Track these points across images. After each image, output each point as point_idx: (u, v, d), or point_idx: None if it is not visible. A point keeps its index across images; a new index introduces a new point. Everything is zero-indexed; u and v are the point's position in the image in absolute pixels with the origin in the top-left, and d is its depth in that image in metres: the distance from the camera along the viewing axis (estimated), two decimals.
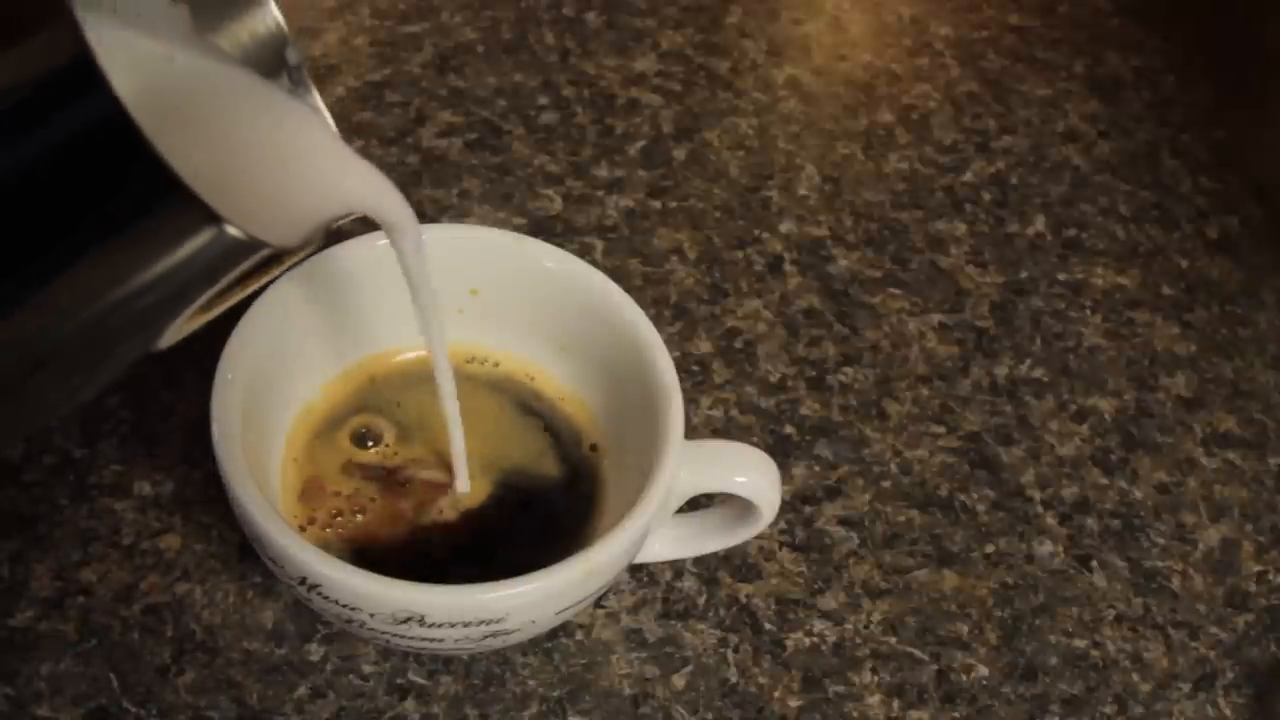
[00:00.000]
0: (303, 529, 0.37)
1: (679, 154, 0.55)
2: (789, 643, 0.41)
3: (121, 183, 0.24)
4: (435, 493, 0.39)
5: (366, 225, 0.49)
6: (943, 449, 0.46)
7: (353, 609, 0.33)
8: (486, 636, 0.34)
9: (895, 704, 0.40)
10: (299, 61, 0.33)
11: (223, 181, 0.25)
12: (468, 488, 0.39)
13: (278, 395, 0.39)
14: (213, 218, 0.25)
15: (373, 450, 0.39)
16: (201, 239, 0.25)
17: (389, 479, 0.39)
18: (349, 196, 0.31)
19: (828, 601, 0.42)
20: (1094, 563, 0.44)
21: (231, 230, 0.25)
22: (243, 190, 0.27)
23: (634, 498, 0.36)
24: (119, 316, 0.26)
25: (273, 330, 0.38)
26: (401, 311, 0.37)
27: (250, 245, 0.26)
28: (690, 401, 0.46)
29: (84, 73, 0.23)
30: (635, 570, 0.42)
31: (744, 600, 0.42)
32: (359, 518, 0.38)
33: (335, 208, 0.31)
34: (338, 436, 0.40)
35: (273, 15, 0.33)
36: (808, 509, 0.44)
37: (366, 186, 0.32)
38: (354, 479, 0.39)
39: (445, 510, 0.38)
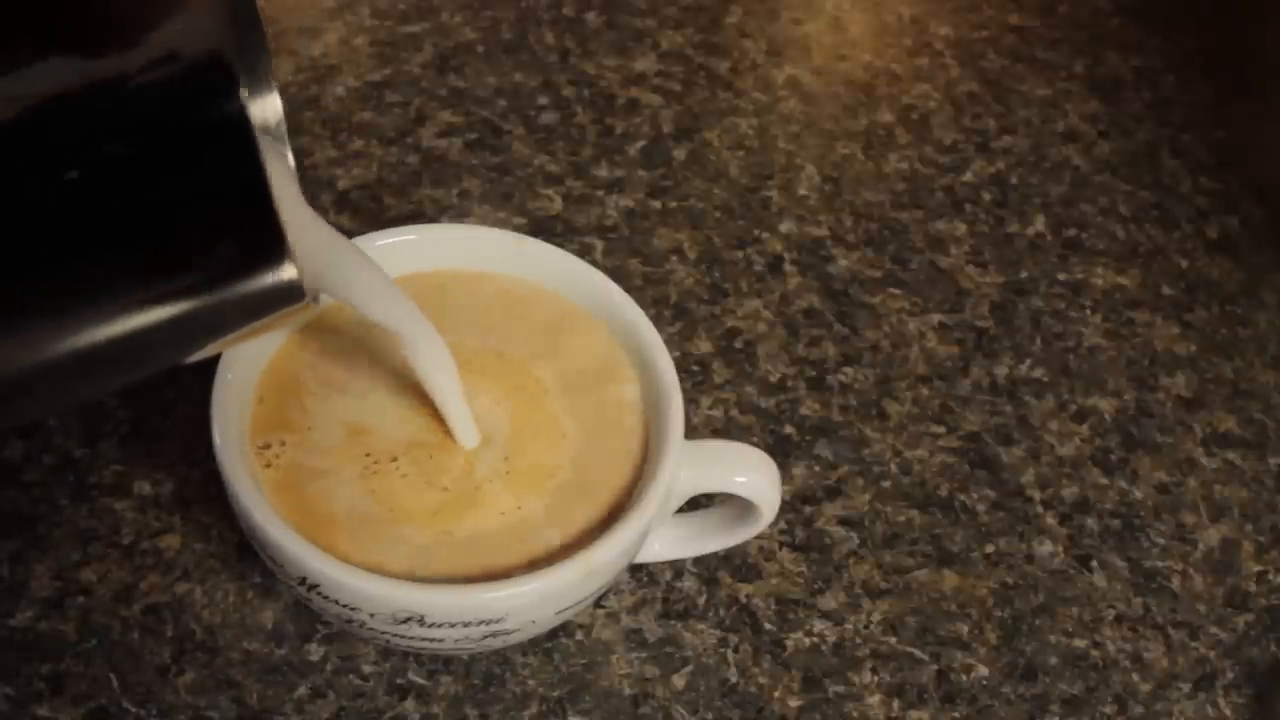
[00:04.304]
0: (267, 463, 0.36)
1: (679, 154, 0.55)
2: (789, 643, 0.41)
3: (239, 219, 0.27)
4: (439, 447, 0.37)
5: (364, 226, 0.50)
6: (943, 449, 0.46)
7: (353, 609, 0.33)
8: (486, 636, 0.34)
9: (895, 704, 0.40)
10: (282, 127, 0.34)
11: None
12: (475, 441, 0.37)
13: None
14: (287, 257, 0.27)
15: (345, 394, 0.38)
16: (272, 278, 0.28)
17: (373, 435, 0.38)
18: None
19: (828, 601, 0.42)
20: (1094, 563, 0.44)
21: (294, 273, 0.28)
22: None
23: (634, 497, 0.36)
24: (170, 326, 0.28)
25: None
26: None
27: (299, 292, 0.28)
28: (690, 401, 0.46)
29: (254, 185, 0.26)
30: (635, 570, 0.42)
31: (744, 600, 0.42)
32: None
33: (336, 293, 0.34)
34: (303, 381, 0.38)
35: (275, 105, 0.34)
36: (808, 509, 0.44)
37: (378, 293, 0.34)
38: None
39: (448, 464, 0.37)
